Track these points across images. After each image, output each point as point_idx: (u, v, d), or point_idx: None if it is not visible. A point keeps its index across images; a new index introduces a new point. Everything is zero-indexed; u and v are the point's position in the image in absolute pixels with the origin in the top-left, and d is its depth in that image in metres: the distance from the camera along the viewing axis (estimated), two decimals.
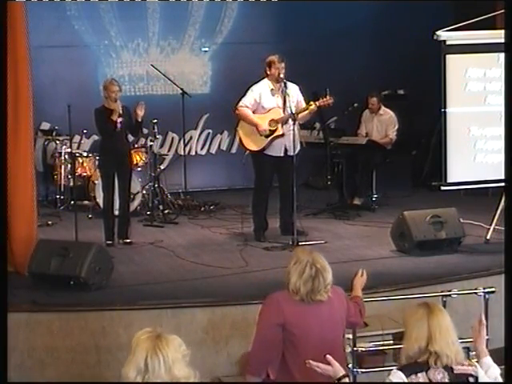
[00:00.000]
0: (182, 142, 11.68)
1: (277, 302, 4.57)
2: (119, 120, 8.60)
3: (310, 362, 4.05)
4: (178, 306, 6.75)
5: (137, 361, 3.36)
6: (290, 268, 4.57)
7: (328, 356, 4.01)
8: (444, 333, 3.90)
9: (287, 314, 4.51)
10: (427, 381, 3.85)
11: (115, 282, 7.39)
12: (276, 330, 4.52)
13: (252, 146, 8.81)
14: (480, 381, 3.93)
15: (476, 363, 4.04)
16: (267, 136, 8.70)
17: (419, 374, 3.86)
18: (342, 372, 3.98)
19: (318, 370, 4.01)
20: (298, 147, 8.77)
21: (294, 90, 8.73)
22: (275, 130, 8.69)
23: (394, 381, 3.87)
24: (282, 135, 8.67)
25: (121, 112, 8.61)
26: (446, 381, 3.85)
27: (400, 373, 3.88)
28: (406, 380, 3.86)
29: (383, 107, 10.91)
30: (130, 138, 9.38)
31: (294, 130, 8.53)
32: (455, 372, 3.88)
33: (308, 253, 4.68)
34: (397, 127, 10.77)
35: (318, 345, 4.48)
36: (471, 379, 3.92)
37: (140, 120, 8.79)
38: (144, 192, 10.30)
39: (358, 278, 5.16)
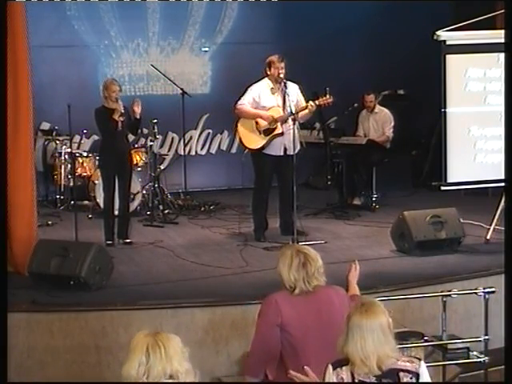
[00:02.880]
0: (181, 141, 11.68)
1: (275, 303, 4.56)
2: (121, 119, 8.60)
3: (291, 372, 4.12)
4: (178, 306, 6.75)
5: (138, 355, 3.47)
6: (279, 266, 4.60)
7: (306, 367, 4.08)
8: (362, 339, 3.75)
9: (285, 314, 4.51)
10: (349, 375, 3.80)
11: (115, 281, 7.39)
12: (274, 330, 4.52)
13: (251, 144, 8.80)
14: (422, 379, 3.80)
15: (421, 362, 3.88)
16: (266, 134, 8.70)
17: (344, 368, 3.82)
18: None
19: (295, 380, 4.08)
20: (298, 147, 8.77)
21: (293, 89, 8.72)
22: (275, 129, 8.69)
23: (326, 375, 3.86)
24: (282, 134, 8.66)
25: (123, 111, 8.61)
26: (371, 376, 3.77)
27: (330, 366, 3.87)
28: (331, 373, 3.84)
29: (378, 106, 10.91)
30: (131, 137, 9.38)
31: (293, 129, 8.53)
32: (383, 368, 3.77)
33: (289, 246, 4.82)
34: (393, 124, 10.74)
35: (317, 343, 4.48)
36: (406, 376, 3.80)
37: (138, 117, 8.79)
38: (144, 192, 10.30)
39: (351, 272, 4.99)
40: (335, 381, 3.83)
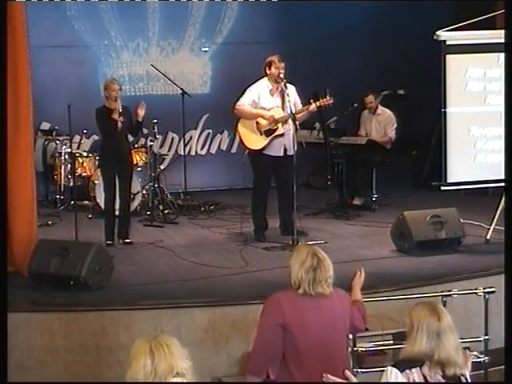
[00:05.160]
0: (181, 141, 11.69)
1: (278, 302, 4.56)
2: (120, 119, 8.60)
3: (328, 376, 4.11)
4: (178, 306, 6.75)
5: (142, 358, 3.51)
6: (291, 262, 4.61)
7: (346, 371, 4.11)
8: (452, 339, 3.82)
9: (288, 314, 4.51)
10: (421, 376, 3.81)
11: (115, 281, 7.39)
12: (276, 330, 4.51)
13: (253, 145, 8.78)
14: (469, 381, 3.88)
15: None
16: (268, 134, 8.69)
17: (413, 370, 3.83)
18: None
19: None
20: (295, 147, 8.76)
21: (291, 90, 8.72)
22: (276, 129, 8.69)
23: (392, 378, 3.84)
24: (282, 135, 8.67)
25: (121, 111, 8.61)
26: (440, 377, 3.81)
27: (394, 369, 3.86)
28: (399, 375, 3.84)
29: (381, 107, 10.91)
30: (130, 138, 9.39)
31: (293, 129, 8.53)
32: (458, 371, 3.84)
33: (308, 246, 4.83)
34: (395, 126, 10.75)
35: (319, 346, 4.49)
36: (463, 379, 3.88)
37: (141, 120, 8.80)
38: (144, 192, 10.30)
39: (356, 278, 5.08)
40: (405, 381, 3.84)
